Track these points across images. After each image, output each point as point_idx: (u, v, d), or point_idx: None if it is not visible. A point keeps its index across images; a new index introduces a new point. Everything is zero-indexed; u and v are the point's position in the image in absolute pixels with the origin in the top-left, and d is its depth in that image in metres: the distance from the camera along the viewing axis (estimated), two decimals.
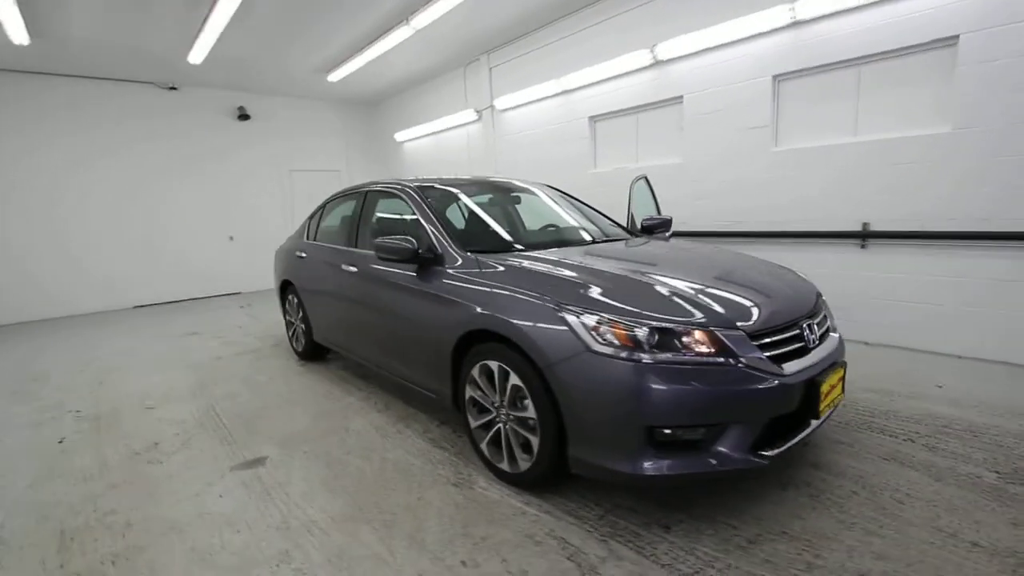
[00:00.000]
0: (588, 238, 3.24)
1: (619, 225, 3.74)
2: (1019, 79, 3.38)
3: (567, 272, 2.37)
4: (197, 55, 6.54)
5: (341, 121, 10.16)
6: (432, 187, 3.36)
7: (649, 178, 4.67)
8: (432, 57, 7.52)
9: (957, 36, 3.60)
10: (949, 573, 1.73)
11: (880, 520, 2.02)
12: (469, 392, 2.52)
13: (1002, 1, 3.38)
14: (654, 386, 1.85)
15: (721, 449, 1.91)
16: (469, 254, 2.72)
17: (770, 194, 4.73)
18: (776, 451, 1.98)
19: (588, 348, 1.95)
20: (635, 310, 2.00)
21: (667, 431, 1.89)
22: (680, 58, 5.15)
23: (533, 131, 6.96)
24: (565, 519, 2.13)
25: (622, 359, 1.89)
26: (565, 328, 2.03)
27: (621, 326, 1.94)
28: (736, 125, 4.86)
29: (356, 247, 3.63)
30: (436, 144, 8.94)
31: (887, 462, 2.43)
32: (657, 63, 5.33)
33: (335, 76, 7.87)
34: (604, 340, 1.94)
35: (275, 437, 3.07)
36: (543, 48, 6.50)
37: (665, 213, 4.27)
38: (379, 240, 2.88)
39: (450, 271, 2.69)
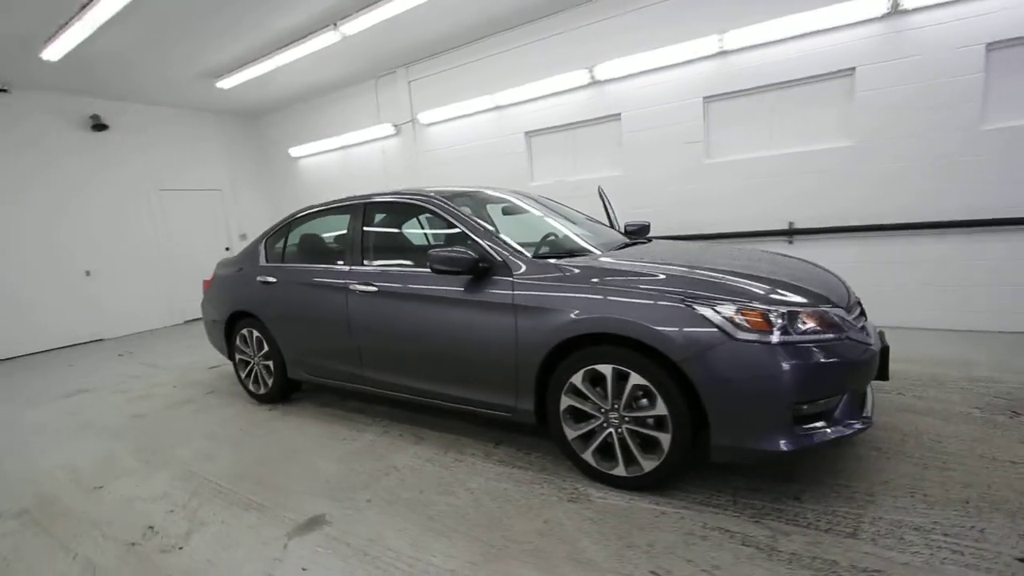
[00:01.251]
0: (616, 241, 3.33)
1: (616, 230, 3.91)
2: (901, 103, 4.33)
3: (652, 269, 2.44)
4: (56, 51, 5.29)
5: (224, 134, 8.96)
6: (459, 195, 3.19)
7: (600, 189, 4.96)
8: (339, 68, 7.07)
9: (854, 68, 4.48)
10: (1019, 486, 2.15)
11: (941, 458, 2.41)
12: (567, 402, 2.43)
13: (887, 41, 4.31)
14: (796, 365, 2.00)
15: (840, 416, 2.13)
16: (537, 259, 2.65)
17: (706, 201, 5.33)
18: (870, 412, 2.26)
19: (731, 336, 2.04)
20: (762, 295, 2.15)
21: (805, 406, 2.05)
22: (618, 79, 5.57)
23: (464, 145, 6.91)
24: (707, 511, 2.17)
25: (765, 343, 2.01)
26: (701, 320, 2.09)
27: (757, 312, 2.06)
28: (672, 140, 5.41)
29: (364, 264, 3.26)
30: (344, 160, 8.36)
31: (903, 413, 2.91)
32: (595, 83, 5.71)
33: (227, 82, 6.95)
34: (744, 327, 2.04)
35: (314, 491, 2.60)
36: (475, 63, 6.53)
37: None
38: (436, 252, 2.65)
39: (519, 279, 2.58)
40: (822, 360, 2.04)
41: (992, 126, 4.04)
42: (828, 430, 2.09)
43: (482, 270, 2.67)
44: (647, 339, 2.16)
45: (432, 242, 3.61)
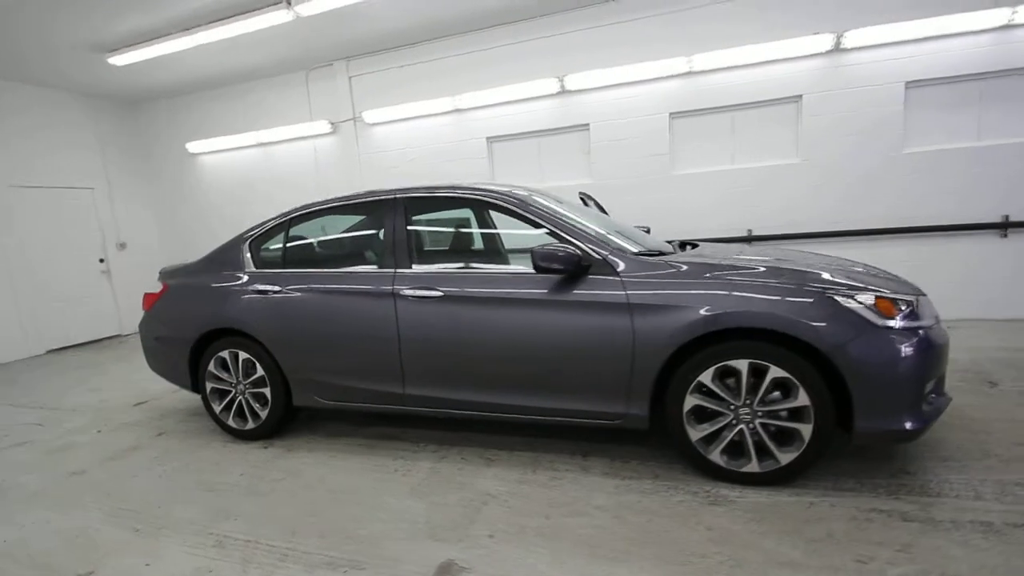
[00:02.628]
0: (662, 242, 3.34)
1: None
2: (839, 127, 5.03)
3: (758, 261, 2.49)
4: None
5: (99, 122, 7.37)
6: (522, 190, 2.96)
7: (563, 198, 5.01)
8: (264, 54, 6.25)
9: (801, 95, 5.12)
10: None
11: (970, 424, 2.78)
12: (692, 402, 2.35)
13: (828, 74, 4.99)
14: (925, 348, 2.17)
15: (935, 395, 2.36)
16: (640, 256, 2.55)
17: (673, 210, 5.66)
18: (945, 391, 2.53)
19: (872, 324, 2.14)
20: (893, 285, 2.30)
21: (928, 386, 2.23)
22: (589, 90, 5.70)
23: (418, 148, 6.51)
24: (846, 495, 2.23)
25: (899, 330, 2.15)
26: (845, 311, 2.16)
27: (888, 301, 2.20)
28: (640, 152, 5.66)
29: (413, 267, 2.84)
30: (264, 158, 7.35)
31: None
32: (565, 92, 5.77)
33: (122, 59, 5.72)
34: (881, 316, 2.16)
35: (413, 535, 2.17)
36: (434, 62, 6.20)
37: None
38: (542, 250, 2.42)
39: (629, 277, 2.45)
40: (938, 343, 2.24)
41: (911, 150, 4.88)
42: (935, 407, 2.29)
43: (581, 268, 2.50)
44: (795, 332, 2.17)
45: (504, 241, 3.27)
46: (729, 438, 2.34)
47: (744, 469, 2.34)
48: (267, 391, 3.17)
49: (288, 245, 3.27)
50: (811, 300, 2.21)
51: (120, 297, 7.44)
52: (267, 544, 2.19)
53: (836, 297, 2.20)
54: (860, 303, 2.18)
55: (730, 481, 2.38)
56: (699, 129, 5.52)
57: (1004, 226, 4.71)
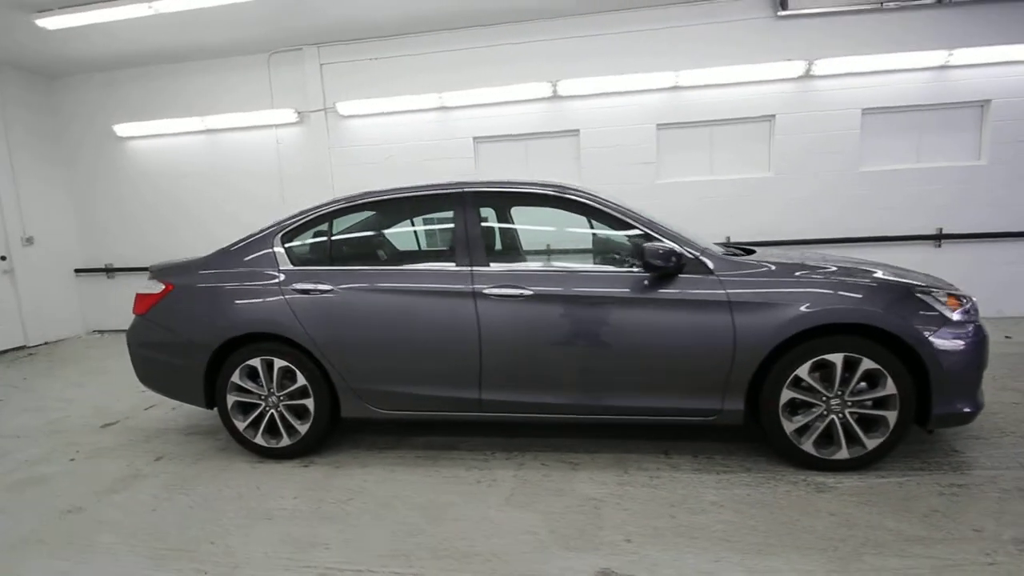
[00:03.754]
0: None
1: None
2: (807, 146, 5.56)
3: (825, 261, 2.68)
4: None
5: (2, 96, 6.15)
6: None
7: None
8: (219, 31, 5.65)
9: (774, 115, 5.59)
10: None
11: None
12: (788, 395, 2.46)
13: (798, 97, 5.50)
14: (983, 340, 2.45)
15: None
16: (728, 256, 2.64)
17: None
18: None
19: (947, 319, 2.38)
20: (945, 283, 2.56)
21: (983, 373, 2.52)
22: (580, 96, 5.79)
23: (399, 145, 6.20)
24: (926, 474, 2.45)
25: (967, 323, 2.42)
26: (926, 306, 2.39)
27: (955, 299, 2.46)
28: (628, 160, 5.86)
29: (491, 265, 2.69)
30: (212, 147, 6.59)
31: None
32: (557, 97, 5.81)
33: (55, 21, 4.85)
34: (952, 310, 2.41)
35: (543, 547, 2.05)
36: (421, 56, 5.95)
37: None
38: (652, 247, 2.43)
39: (726, 276, 2.52)
40: (986, 335, 2.54)
41: (866, 169, 5.52)
42: (983, 392, 2.60)
43: (679, 267, 2.53)
44: (887, 326, 2.36)
45: (592, 239, 3.16)
46: (821, 428, 2.48)
47: (834, 456, 2.49)
48: (309, 403, 2.82)
49: (334, 239, 2.95)
50: (898, 296, 2.41)
51: (26, 302, 6.27)
52: (386, 571, 1.94)
53: (918, 294, 2.42)
54: (937, 299, 2.42)
55: (819, 469, 2.51)
56: (682, 141, 5.83)
57: (938, 238, 5.47)
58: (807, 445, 2.50)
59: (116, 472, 2.87)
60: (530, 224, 3.19)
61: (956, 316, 2.41)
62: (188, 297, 2.96)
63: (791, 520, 2.15)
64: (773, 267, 2.57)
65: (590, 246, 3.05)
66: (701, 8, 5.44)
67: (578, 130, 5.90)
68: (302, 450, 2.91)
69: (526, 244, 3.02)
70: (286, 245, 2.97)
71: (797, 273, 2.53)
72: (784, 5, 5.28)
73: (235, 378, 2.87)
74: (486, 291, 2.63)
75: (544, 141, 6.06)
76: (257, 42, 6.05)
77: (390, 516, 2.32)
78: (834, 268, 2.58)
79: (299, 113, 6.28)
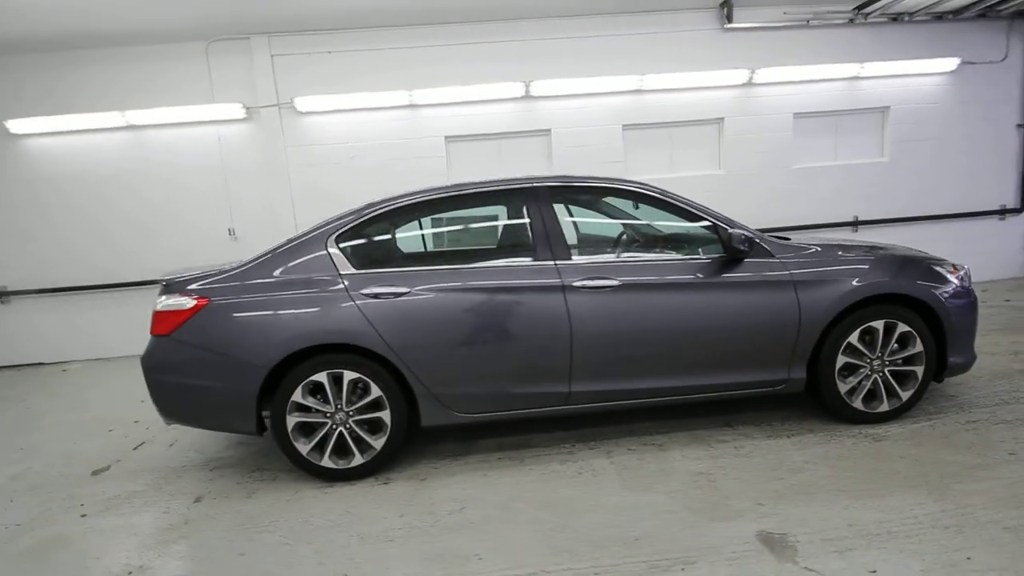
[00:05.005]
0: None
1: None
2: (750, 146, 6.22)
3: (851, 243, 3.09)
4: None
5: None
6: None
7: None
8: (146, 12, 4.98)
9: (723, 118, 6.19)
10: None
11: None
12: (842, 360, 2.80)
13: (742, 102, 6.14)
14: (976, 301, 2.98)
15: None
16: (778, 241, 2.92)
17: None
18: None
19: (955, 285, 2.87)
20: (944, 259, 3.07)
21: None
22: (552, 97, 5.94)
23: (363, 144, 5.87)
24: (953, 414, 2.92)
25: (967, 289, 2.92)
26: (940, 276, 2.85)
27: (955, 267, 2.96)
28: (598, 159, 6.12)
29: (573, 258, 2.72)
30: (137, 146, 5.73)
31: None
32: (529, 97, 5.90)
33: None
34: (955, 279, 2.90)
35: (694, 523, 2.13)
36: (385, 52, 5.69)
37: None
38: (738, 233, 2.66)
39: (786, 258, 2.80)
40: (977, 297, 3.08)
41: (798, 166, 6.31)
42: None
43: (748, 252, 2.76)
44: (917, 294, 2.78)
45: (657, 230, 3.26)
46: (868, 387, 2.86)
47: (878, 410, 2.87)
48: (384, 415, 2.64)
49: (399, 238, 2.78)
50: (921, 269, 2.86)
51: None
52: (562, 569, 1.91)
53: (933, 266, 2.89)
54: (946, 270, 2.90)
55: (865, 423, 2.88)
56: (646, 140, 6.22)
57: (855, 224, 6.43)
58: (857, 402, 2.86)
59: (156, 521, 2.46)
60: (591, 217, 3.26)
61: (959, 283, 2.91)
62: (231, 311, 2.61)
63: (874, 466, 2.46)
64: (818, 248, 2.90)
65: (656, 236, 3.19)
66: (661, 17, 5.86)
67: (550, 130, 6.05)
68: (373, 468, 2.70)
69: (597, 236, 3.10)
70: (342, 246, 2.74)
71: (839, 253, 2.89)
72: (730, 18, 5.87)
73: (296, 396, 2.59)
74: (576, 283, 2.66)
75: (517, 140, 6.12)
76: (192, 28, 5.40)
77: (519, 518, 2.27)
78: (866, 248, 2.98)
79: (247, 109, 5.70)
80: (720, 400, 2.98)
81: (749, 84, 6.07)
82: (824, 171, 6.34)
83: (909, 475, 2.37)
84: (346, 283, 2.64)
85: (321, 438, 2.64)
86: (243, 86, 5.71)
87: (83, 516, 2.54)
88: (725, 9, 5.82)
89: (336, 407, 2.63)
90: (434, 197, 2.85)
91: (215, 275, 2.73)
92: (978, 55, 6.08)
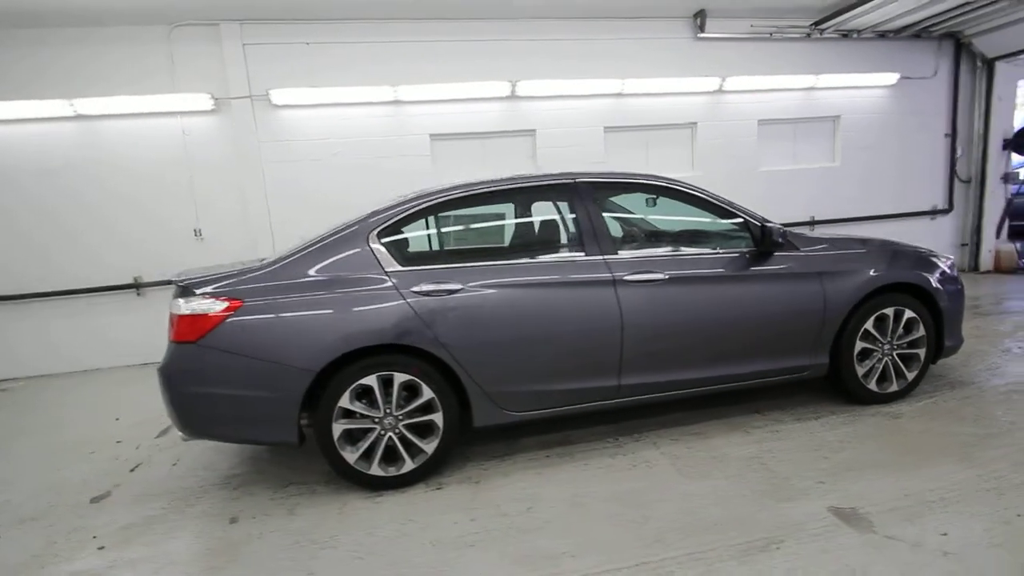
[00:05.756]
0: None
1: None
2: (720, 150, 6.55)
3: (856, 236, 3.34)
4: None
5: None
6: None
7: None
8: None
9: (696, 122, 6.48)
10: None
11: None
12: (860, 345, 3.01)
13: (713, 108, 6.46)
14: (963, 287, 3.30)
15: None
16: (799, 235, 3.10)
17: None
18: None
19: (948, 275, 3.17)
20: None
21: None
22: (537, 97, 5.97)
23: (343, 140, 5.62)
24: (941, 392, 3.21)
25: (955, 276, 3.23)
26: (936, 267, 3.14)
27: (947, 258, 3.26)
28: (580, 160, 6.21)
29: (618, 253, 2.75)
30: (88, 137, 5.16)
31: None
32: (515, 97, 5.90)
33: None
34: (948, 268, 3.21)
35: (762, 507, 2.21)
36: (368, 46, 5.48)
37: None
38: (779, 229, 2.78)
39: (808, 251, 2.98)
40: (963, 285, 3.40)
41: (763, 169, 6.73)
42: None
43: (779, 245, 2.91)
44: (921, 283, 3.05)
45: (691, 226, 3.31)
46: (880, 369, 3.09)
47: (889, 390, 3.12)
48: (437, 417, 2.54)
49: (444, 233, 2.69)
50: (923, 259, 3.13)
51: None
52: (659, 559, 1.92)
53: (931, 257, 3.18)
54: (939, 261, 3.20)
55: (877, 402, 3.12)
56: (625, 142, 6.40)
57: (812, 223, 6.93)
58: (871, 384, 3.09)
59: (192, 547, 2.22)
60: (628, 213, 3.31)
61: (950, 272, 3.22)
62: (269, 313, 2.41)
63: (903, 441, 2.67)
64: (837, 242, 3.11)
65: (691, 231, 3.27)
66: (640, 24, 6.05)
67: (534, 130, 6.08)
68: (423, 474, 2.59)
69: (661, 229, 3.18)
70: (384, 242, 2.61)
71: (854, 247, 3.10)
72: (702, 28, 6.16)
73: (343, 402, 2.44)
74: (626, 277, 2.69)
75: (501, 140, 6.10)
76: (152, 10, 4.95)
77: (592, 513, 2.25)
78: (879, 242, 3.22)
79: (215, 100, 5.30)
80: (742, 389, 3.11)
81: (719, 91, 6.40)
82: (784, 174, 6.79)
83: (934, 447, 2.59)
84: (395, 281, 2.52)
85: (371, 444, 2.50)
86: (211, 76, 5.30)
87: (101, 548, 2.25)
88: (698, 20, 6.12)
89: (385, 411, 2.50)
90: (478, 192, 2.79)
91: (239, 275, 2.51)
92: (914, 71, 6.77)
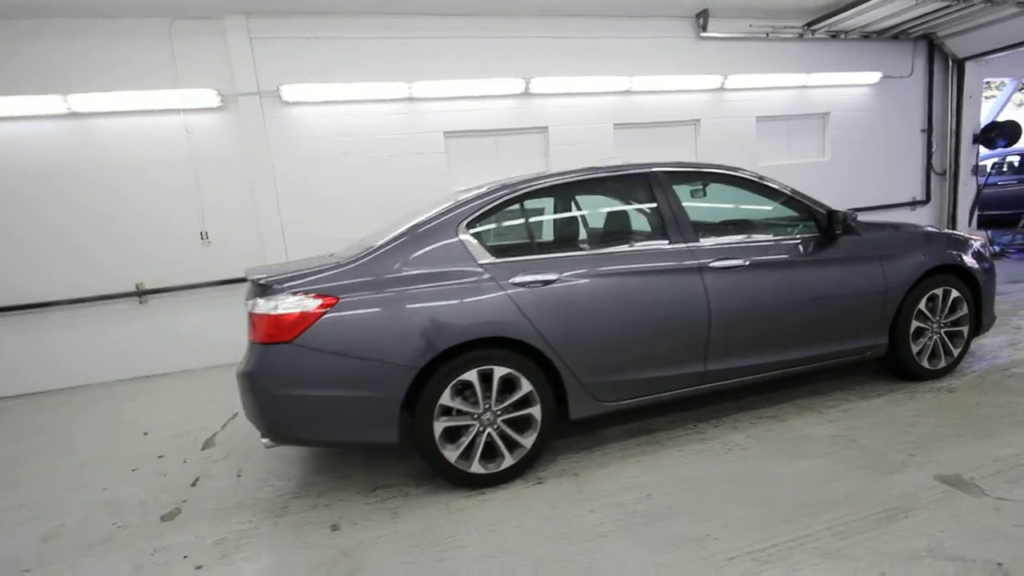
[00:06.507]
0: None
1: None
2: (722, 145, 6.74)
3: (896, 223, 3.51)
4: None
5: None
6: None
7: None
8: None
9: (699, 119, 6.65)
10: None
11: None
12: (915, 325, 3.16)
13: (715, 105, 6.65)
14: (994, 270, 3.52)
15: None
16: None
17: None
18: None
19: (983, 256, 3.37)
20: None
21: None
22: (548, 95, 5.98)
23: (354, 137, 5.45)
24: (978, 366, 3.40)
25: (988, 258, 3.44)
26: (977, 250, 3.33)
27: (976, 240, 3.47)
28: (593, 155, 6.26)
29: (700, 240, 2.78)
30: (82, 135, 4.79)
31: None
32: (527, 94, 5.89)
33: None
34: (983, 251, 3.41)
35: (871, 481, 2.28)
36: (384, 42, 5.35)
37: None
38: (850, 214, 2.87)
39: (867, 237, 3.10)
40: (994, 264, 3.62)
41: (762, 164, 6.95)
42: None
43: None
44: (964, 264, 3.22)
45: (761, 213, 3.32)
46: (931, 347, 3.25)
47: (938, 367, 3.28)
48: (535, 411, 2.49)
49: (531, 223, 2.64)
50: (963, 242, 3.32)
51: None
52: (813, 530, 1.94)
53: (971, 240, 3.37)
54: (977, 244, 3.39)
55: (926, 379, 3.28)
56: (633, 139, 6.49)
57: None
58: (924, 362, 3.24)
59: (305, 559, 2.07)
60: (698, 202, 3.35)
61: (986, 254, 3.42)
62: (367, 309, 2.30)
63: (968, 412, 2.82)
64: (891, 227, 3.25)
65: (757, 218, 3.34)
66: (647, 23, 6.17)
67: (547, 127, 6.08)
68: (520, 469, 2.53)
69: (734, 217, 3.21)
70: (473, 232, 2.54)
71: (906, 231, 3.25)
72: (705, 28, 6.34)
73: (444, 399, 2.36)
74: (711, 264, 2.73)
75: (514, 137, 6.07)
76: (152, 2, 4.67)
77: (716, 496, 2.26)
78: (925, 227, 3.38)
79: (222, 96, 5.04)
80: (800, 374, 3.19)
81: (721, 89, 6.60)
82: (780, 169, 7.02)
83: (999, 416, 2.74)
84: (491, 273, 2.46)
85: (470, 442, 2.42)
86: (216, 72, 5.04)
87: (199, 568, 2.08)
88: (701, 19, 6.29)
89: (484, 407, 2.43)
90: (560, 182, 2.76)
91: (326, 271, 2.39)
92: (894, 70, 7.19)
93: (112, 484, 2.89)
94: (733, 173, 3.07)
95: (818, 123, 7.21)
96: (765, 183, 3.08)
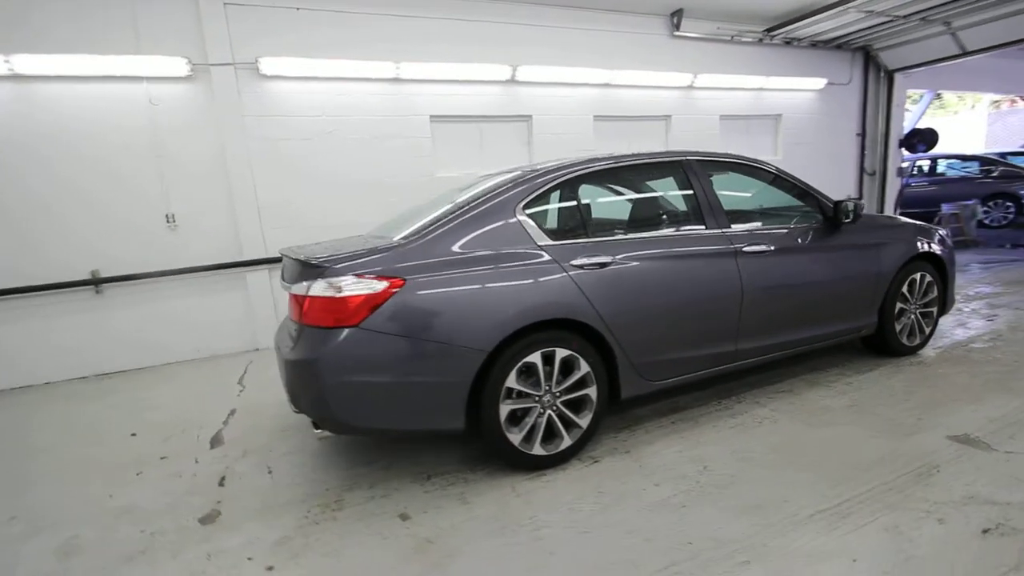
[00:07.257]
0: None
1: None
2: (690, 140, 7.08)
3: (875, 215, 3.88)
4: None
5: None
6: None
7: None
8: None
9: (670, 115, 6.93)
10: None
11: None
12: (899, 305, 3.52)
13: (685, 103, 6.96)
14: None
15: None
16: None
17: None
18: None
19: (947, 243, 3.80)
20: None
21: None
22: (534, 84, 5.99)
23: (337, 117, 5.17)
24: (942, 343, 3.84)
25: (951, 246, 3.89)
26: (942, 236, 3.75)
27: (941, 230, 3.91)
28: (573, 146, 6.36)
29: (731, 227, 2.94)
30: (23, 103, 4.18)
31: None
32: (513, 81, 5.86)
33: None
34: (944, 236, 3.84)
35: (894, 448, 2.53)
36: (370, 17, 5.10)
37: None
38: (860, 203, 3.10)
39: (864, 226, 3.40)
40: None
41: None
42: None
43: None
44: (940, 253, 3.63)
45: (774, 203, 3.56)
46: (909, 325, 3.63)
47: (914, 344, 3.68)
48: (591, 391, 2.53)
49: (581, 206, 2.65)
50: (934, 232, 3.72)
51: None
52: (860, 493, 2.12)
53: (938, 230, 3.79)
54: (943, 233, 3.82)
55: (906, 354, 3.66)
56: (612, 131, 6.66)
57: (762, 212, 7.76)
58: (904, 339, 3.62)
59: (387, 552, 1.99)
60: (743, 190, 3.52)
61: (948, 241, 3.87)
62: (435, 289, 2.23)
63: (950, 382, 3.19)
64: (880, 218, 3.58)
65: (772, 207, 3.54)
66: (625, 18, 6.32)
67: (531, 116, 6.09)
68: (576, 450, 2.57)
69: (757, 205, 3.40)
70: (529, 213, 2.53)
71: (891, 222, 3.60)
72: (678, 27, 6.61)
73: (510, 382, 2.34)
74: (744, 249, 2.89)
75: (498, 124, 6.02)
76: None
77: (769, 463, 2.41)
78: (906, 220, 3.75)
79: (192, 65, 4.60)
80: (805, 351, 3.47)
81: (691, 87, 6.92)
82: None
83: (977, 384, 3.13)
84: (551, 255, 2.46)
85: (532, 424, 2.43)
86: (184, 38, 4.59)
87: (270, 569, 1.94)
88: (675, 18, 6.55)
89: (545, 389, 2.44)
90: (606, 167, 2.82)
91: (388, 251, 2.30)
92: (836, 77, 7.86)
93: (117, 489, 2.60)
94: (758, 165, 3.26)
95: (772, 124, 7.75)
96: (783, 175, 3.30)
